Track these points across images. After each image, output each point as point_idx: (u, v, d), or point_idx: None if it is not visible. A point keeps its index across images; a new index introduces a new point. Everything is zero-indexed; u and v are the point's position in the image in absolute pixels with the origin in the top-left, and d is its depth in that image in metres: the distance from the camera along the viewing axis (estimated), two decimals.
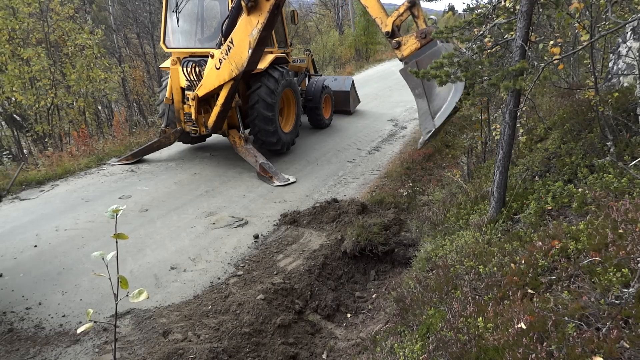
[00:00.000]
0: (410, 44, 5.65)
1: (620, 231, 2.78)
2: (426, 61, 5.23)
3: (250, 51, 7.53)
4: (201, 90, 8.27)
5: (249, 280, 5.07)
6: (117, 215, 1.84)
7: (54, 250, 5.71)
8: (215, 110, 8.35)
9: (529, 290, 2.81)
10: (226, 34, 7.84)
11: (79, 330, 1.80)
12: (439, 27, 5.60)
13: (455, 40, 4.73)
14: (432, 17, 5.99)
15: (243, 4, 7.28)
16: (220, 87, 8.13)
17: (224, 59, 7.80)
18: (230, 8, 8.01)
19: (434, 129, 5.13)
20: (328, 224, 6.29)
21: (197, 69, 8.34)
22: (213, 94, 8.40)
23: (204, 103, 8.65)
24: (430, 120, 5.20)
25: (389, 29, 5.84)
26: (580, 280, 2.62)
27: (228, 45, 7.71)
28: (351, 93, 13.36)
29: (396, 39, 5.75)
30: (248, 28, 7.45)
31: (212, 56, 7.98)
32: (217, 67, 7.91)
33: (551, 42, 4.22)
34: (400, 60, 5.82)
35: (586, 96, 5.06)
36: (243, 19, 7.48)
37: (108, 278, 1.79)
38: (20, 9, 11.39)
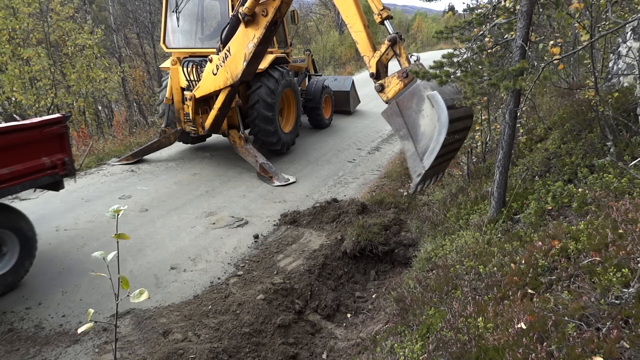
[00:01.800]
0: (393, 85, 5.35)
1: (620, 231, 2.78)
2: (407, 100, 4.92)
3: (245, 63, 7.53)
4: (198, 92, 8.28)
5: (249, 280, 5.07)
6: (118, 215, 1.84)
7: (54, 250, 5.71)
8: (213, 113, 8.36)
9: (529, 290, 2.82)
10: (225, 41, 7.83)
11: (79, 331, 1.80)
12: (422, 64, 5.31)
13: (439, 81, 4.48)
14: (414, 54, 5.70)
15: (241, 18, 7.26)
16: (217, 91, 8.14)
17: (221, 66, 7.80)
18: (231, 15, 7.96)
19: (424, 171, 4.71)
20: (328, 224, 6.29)
21: (197, 70, 8.34)
22: (211, 96, 8.42)
23: (203, 103, 8.66)
24: (419, 162, 4.82)
25: (373, 70, 5.57)
26: (580, 280, 2.62)
27: (225, 54, 7.71)
28: (351, 93, 13.36)
29: (379, 81, 5.47)
30: (245, 40, 7.44)
31: (211, 60, 7.97)
32: (214, 72, 7.91)
33: (551, 42, 4.22)
34: (386, 102, 5.47)
35: (586, 96, 5.06)
36: (241, 30, 7.46)
37: (109, 278, 1.79)
38: (20, 9, 11.39)
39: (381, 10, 5.45)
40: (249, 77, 8.17)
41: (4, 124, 4.78)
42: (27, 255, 4.96)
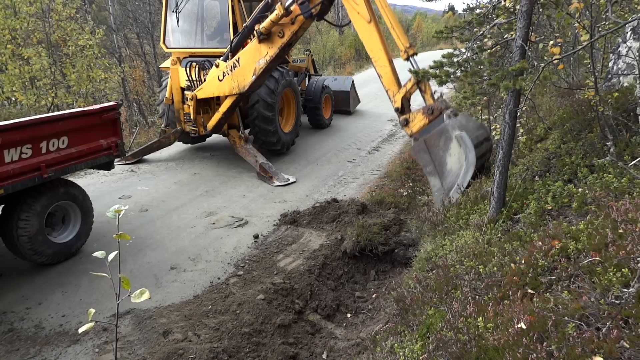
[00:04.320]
0: (418, 120, 5.62)
1: (620, 231, 2.78)
2: (435, 138, 5.20)
3: (254, 77, 7.55)
4: (200, 93, 8.28)
5: (249, 280, 5.07)
6: (119, 215, 1.84)
7: None
8: (217, 116, 8.39)
9: (529, 290, 2.81)
10: (234, 50, 7.83)
11: (80, 331, 1.80)
12: (445, 101, 5.61)
13: (464, 109, 4.81)
14: (437, 90, 5.99)
15: (255, 34, 7.23)
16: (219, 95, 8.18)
17: (228, 74, 7.80)
18: (243, 26, 7.94)
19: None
20: (328, 224, 6.29)
21: (198, 69, 8.34)
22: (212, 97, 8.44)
23: (203, 104, 8.66)
24: (445, 197, 5.20)
25: (398, 105, 5.80)
26: (580, 280, 2.62)
27: (234, 63, 7.70)
28: (351, 93, 13.35)
29: (404, 116, 5.72)
30: (256, 55, 7.42)
31: (217, 66, 7.96)
32: (220, 78, 7.91)
33: (551, 42, 4.22)
34: (410, 136, 5.82)
35: (586, 96, 5.06)
36: (254, 44, 7.42)
37: (109, 278, 1.79)
38: (21, 9, 11.38)
39: (407, 47, 5.63)
40: (256, 89, 8.22)
41: (72, 110, 5.58)
42: (86, 224, 5.65)
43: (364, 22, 6.10)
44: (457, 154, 5.12)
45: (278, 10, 6.81)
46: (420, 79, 5.55)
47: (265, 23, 7.04)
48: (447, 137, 5.14)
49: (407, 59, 5.70)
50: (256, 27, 7.22)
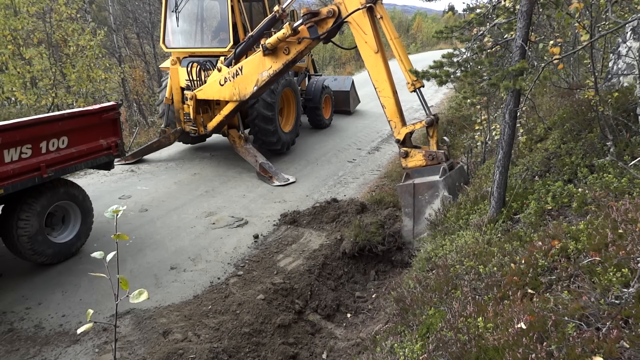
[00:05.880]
0: (416, 159, 5.78)
1: (620, 231, 2.77)
2: (424, 188, 5.44)
3: (255, 88, 7.55)
4: (200, 94, 8.27)
5: (249, 280, 5.07)
6: (117, 215, 1.84)
7: None
8: (218, 118, 8.40)
9: (529, 290, 2.81)
10: (238, 57, 7.82)
11: (79, 331, 1.79)
12: (448, 152, 5.82)
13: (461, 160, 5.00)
14: (445, 137, 6.18)
15: (261, 48, 7.23)
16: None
17: (230, 80, 7.78)
18: (248, 35, 7.93)
19: (411, 246, 5.36)
20: (328, 223, 6.29)
21: (199, 69, 8.34)
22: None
23: (203, 103, 8.66)
24: (411, 237, 5.43)
25: (400, 137, 5.93)
26: (580, 280, 2.62)
27: (237, 71, 7.68)
28: (351, 93, 13.35)
29: (405, 149, 5.86)
30: (260, 67, 7.40)
31: (220, 70, 7.95)
32: (222, 83, 7.90)
33: (551, 42, 4.21)
34: (403, 168, 6.00)
35: (586, 96, 5.05)
36: (258, 56, 7.40)
37: (108, 278, 1.79)
38: (23, 9, 11.37)
39: (415, 80, 5.71)
40: (256, 98, 8.22)
41: (72, 110, 5.59)
42: (86, 224, 5.66)
43: (371, 52, 6.10)
44: (437, 210, 5.37)
45: (286, 30, 6.78)
46: (430, 124, 5.73)
47: (272, 39, 7.01)
48: (435, 193, 5.41)
49: (414, 91, 5.78)
50: (262, 41, 7.21)
